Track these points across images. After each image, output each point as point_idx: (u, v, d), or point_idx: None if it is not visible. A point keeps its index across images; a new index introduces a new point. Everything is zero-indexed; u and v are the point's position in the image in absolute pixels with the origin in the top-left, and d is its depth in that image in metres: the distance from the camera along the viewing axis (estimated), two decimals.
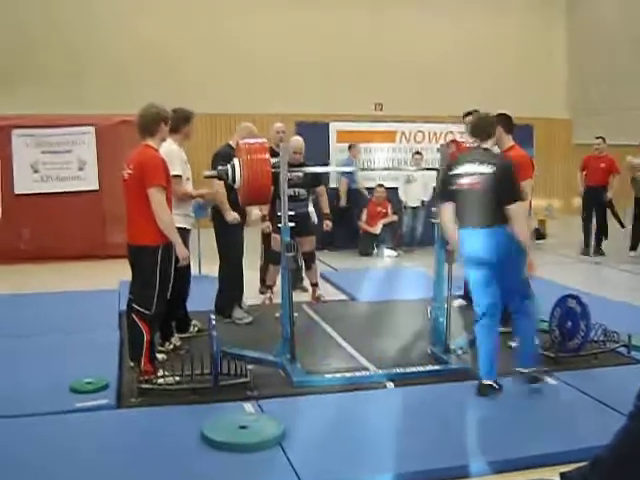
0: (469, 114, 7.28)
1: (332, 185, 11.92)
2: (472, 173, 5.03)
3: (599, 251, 11.69)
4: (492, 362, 5.10)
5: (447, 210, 5.17)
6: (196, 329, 6.55)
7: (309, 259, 8.02)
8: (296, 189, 7.48)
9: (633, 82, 15.73)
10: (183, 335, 6.36)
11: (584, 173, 11.92)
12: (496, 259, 4.99)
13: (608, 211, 12.08)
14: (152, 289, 5.18)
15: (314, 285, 8.13)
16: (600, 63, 16.86)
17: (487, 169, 5.00)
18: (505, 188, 4.96)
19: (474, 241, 5.03)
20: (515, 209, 4.94)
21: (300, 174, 7.21)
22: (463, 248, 5.15)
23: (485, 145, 5.22)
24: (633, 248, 11.51)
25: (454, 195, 5.13)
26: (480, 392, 5.02)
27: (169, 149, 5.86)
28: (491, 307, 5.16)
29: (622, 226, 12.06)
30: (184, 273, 5.99)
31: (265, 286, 8.00)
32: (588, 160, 11.99)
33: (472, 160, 5.11)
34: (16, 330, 6.63)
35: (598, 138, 12.12)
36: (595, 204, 11.76)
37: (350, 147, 12.12)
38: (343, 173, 11.86)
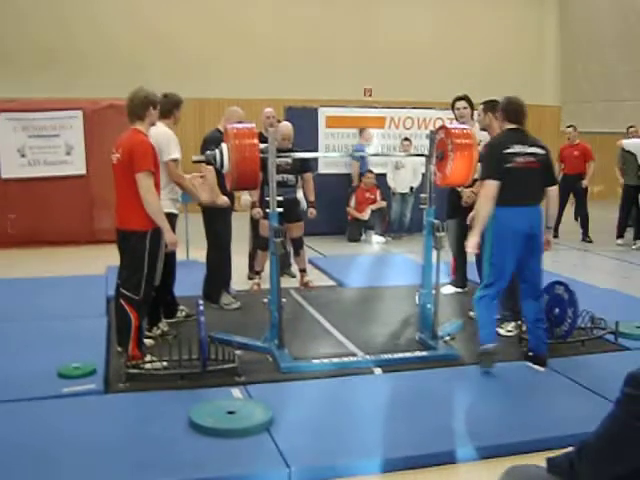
0: (460, 99, 7.28)
1: (339, 171, 12.03)
2: (528, 153, 5.25)
3: (586, 239, 11.73)
4: (494, 327, 5.36)
5: (495, 187, 5.17)
6: (184, 314, 6.54)
7: (297, 245, 7.98)
8: (284, 175, 7.42)
9: (622, 73, 15.78)
10: (171, 320, 6.35)
11: (562, 165, 11.91)
12: (538, 236, 5.30)
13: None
14: (140, 274, 5.16)
15: (302, 271, 8.11)
16: (591, 53, 16.88)
17: (540, 151, 5.31)
18: (551, 170, 5.51)
19: (524, 218, 5.22)
20: (555, 190, 5.52)
21: (289, 160, 7.16)
22: (507, 225, 5.19)
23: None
24: (620, 236, 11.55)
25: (507, 173, 5.19)
26: (482, 361, 5.15)
27: (164, 132, 5.85)
28: (504, 289, 5.42)
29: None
30: (170, 258, 5.98)
31: (253, 272, 7.99)
32: (563, 150, 12.03)
33: (523, 141, 5.30)
34: (2, 315, 6.60)
35: (569, 127, 12.24)
36: (572, 192, 11.77)
37: (361, 132, 12.09)
38: (355, 157, 11.83)
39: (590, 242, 11.60)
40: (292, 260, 8.36)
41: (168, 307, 6.39)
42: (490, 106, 6.33)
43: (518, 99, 5.48)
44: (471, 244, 5.28)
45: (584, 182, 11.67)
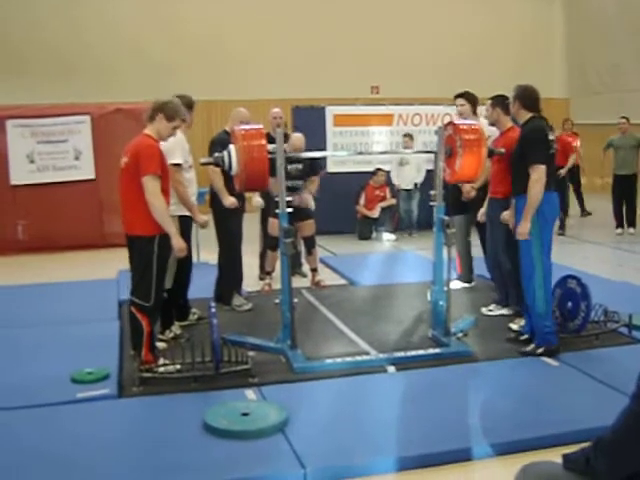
0: (459, 96, 7.26)
1: None
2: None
3: (558, 231, 11.53)
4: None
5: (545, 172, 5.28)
6: (196, 317, 6.54)
7: (309, 244, 7.90)
8: (293, 181, 7.33)
9: (630, 64, 15.73)
10: (183, 323, 6.34)
11: None
12: None
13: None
14: (149, 280, 5.11)
15: (314, 270, 8.04)
16: (598, 45, 16.81)
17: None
18: None
19: (557, 202, 5.49)
20: None
21: (299, 166, 7.07)
22: (554, 209, 5.43)
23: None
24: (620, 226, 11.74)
25: (549, 159, 5.34)
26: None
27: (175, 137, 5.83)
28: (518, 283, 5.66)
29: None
30: (185, 262, 5.98)
31: (264, 272, 7.98)
32: None
33: (549, 128, 5.51)
34: (15, 321, 6.63)
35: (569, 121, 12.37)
36: None
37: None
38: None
39: (562, 235, 11.48)
40: (303, 259, 8.35)
41: (180, 310, 6.38)
42: (499, 101, 6.29)
43: (532, 86, 5.53)
44: (524, 231, 5.30)
45: (561, 172, 11.67)
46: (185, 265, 6.10)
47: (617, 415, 2.89)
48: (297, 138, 7.72)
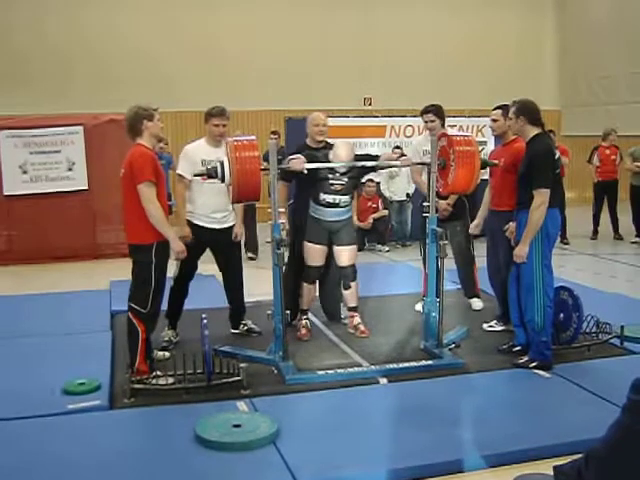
0: (427, 112, 6.91)
1: None
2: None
3: (563, 241, 11.73)
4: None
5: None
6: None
7: (348, 276, 6.46)
8: (337, 196, 6.21)
9: (621, 76, 15.81)
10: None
11: None
12: None
13: None
14: (148, 287, 5.15)
15: (352, 310, 6.58)
16: (590, 56, 16.90)
17: None
18: None
19: (559, 218, 5.47)
20: None
21: (344, 179, 6.16)
22: (556, 226, 5.42)
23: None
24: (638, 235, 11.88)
25: (555, 178, 5.32)
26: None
27: (186, 147, 6.17)
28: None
29: None
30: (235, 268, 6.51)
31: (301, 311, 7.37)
32: None
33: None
34: (6, 332, 6.59)
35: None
36: None
37: None
38: None
39: (567, 244, 11.69)
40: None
41: (175, 317, 6.33)
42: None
43: (532, 100, 5.48)
44: (522, 254, 5.24)
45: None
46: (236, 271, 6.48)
47: (608, 427, 2.89)
48: (344, 147, 6.21)
